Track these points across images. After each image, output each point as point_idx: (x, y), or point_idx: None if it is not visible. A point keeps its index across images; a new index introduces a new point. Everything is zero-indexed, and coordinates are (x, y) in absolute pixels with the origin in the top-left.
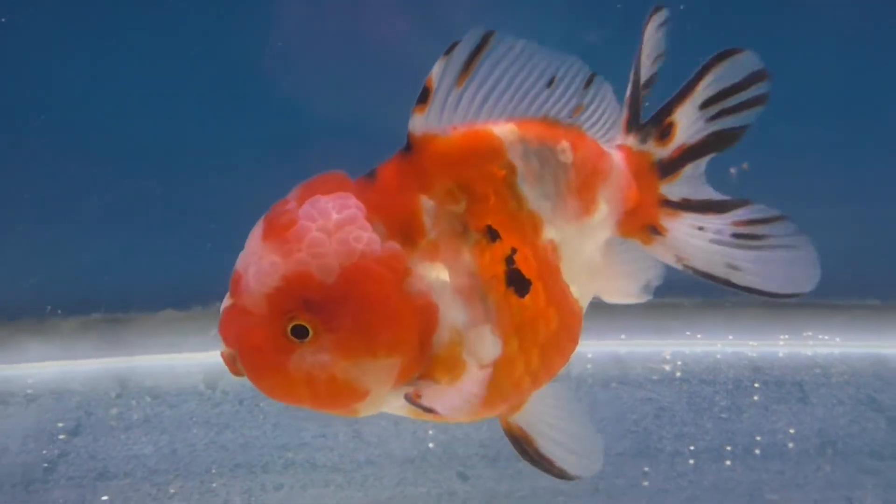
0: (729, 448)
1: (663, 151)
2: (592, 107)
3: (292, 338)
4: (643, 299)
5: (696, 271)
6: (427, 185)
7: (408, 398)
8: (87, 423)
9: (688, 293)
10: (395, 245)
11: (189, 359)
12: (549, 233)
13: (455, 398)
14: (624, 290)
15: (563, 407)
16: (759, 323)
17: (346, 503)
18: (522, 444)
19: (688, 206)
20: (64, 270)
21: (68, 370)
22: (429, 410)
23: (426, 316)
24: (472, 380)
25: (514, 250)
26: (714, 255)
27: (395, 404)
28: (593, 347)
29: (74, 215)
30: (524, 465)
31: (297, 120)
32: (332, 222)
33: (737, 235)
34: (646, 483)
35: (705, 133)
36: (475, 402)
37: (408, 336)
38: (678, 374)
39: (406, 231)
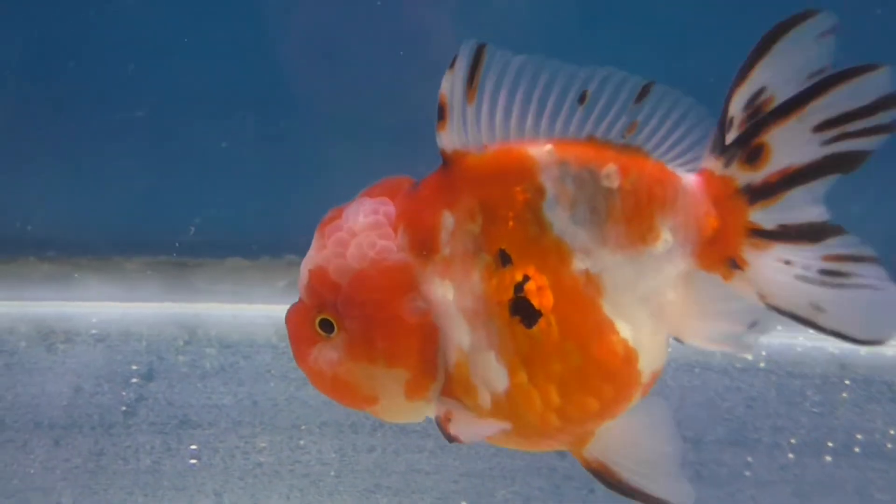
0: (830, 444)
1: (753, 176)
2: (653, 122)
3: (319, 331)
4: (741, 351)
5: (779, 311)
6: (452, 201)
7: (437, 420)
8: (160, 368)
9: None
10: (407, 257)
11: (258, 310)
12: (583, 263)
13: (483, 429)
14: (712, 335)
15: (643, 436)
16: None
17: (442, 470)
18: (605, 478)
19: (782, 234)
20: (129, 210)
21: (132, 312)
22: (453, 439)
23: (425, 332)
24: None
25: (526, 278)
26: (799, 295)
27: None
28: None
29: (144, 155)
30: None
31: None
32: (358, 225)
33: (824, 272)
34: (748, 473)
35: (820, 155)
36: (501, 437)
37: (406, 350)
38: (762, 364)
39: (424, 244)
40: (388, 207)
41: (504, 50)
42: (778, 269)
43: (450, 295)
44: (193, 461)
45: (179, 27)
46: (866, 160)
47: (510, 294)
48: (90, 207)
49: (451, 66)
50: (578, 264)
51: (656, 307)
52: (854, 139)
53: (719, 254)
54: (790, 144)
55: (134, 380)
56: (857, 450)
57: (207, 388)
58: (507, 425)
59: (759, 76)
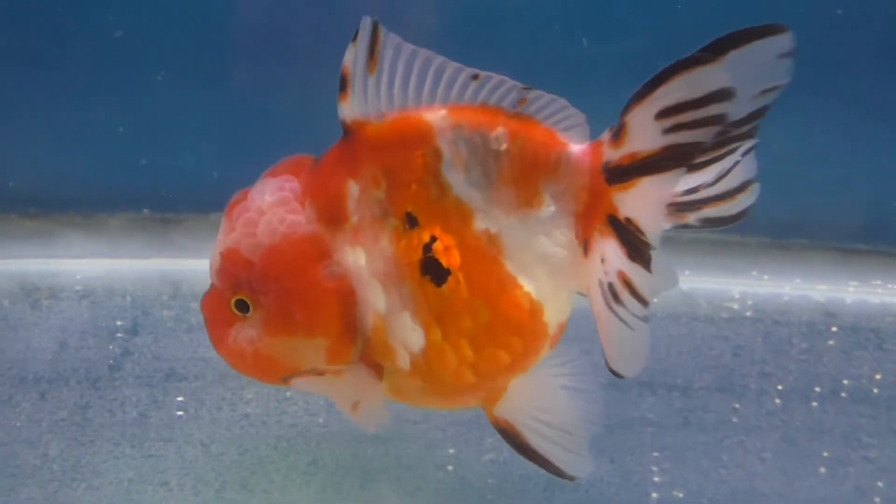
0: (817, 390)
1: (613, 153)
2: (540, 102)
3: (236, 311)
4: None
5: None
6: (355, 170)
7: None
8: (145, 322)
9: (754, 232)
10: (317, 228)
11: None
12: (483, 223)
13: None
14: None
15: (546, 398)
16: (828, 268)
17: (429, 419)
18: (512, 438)
19: (622, 230)
20: (113, 166)
21: (117, 269)
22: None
23: (342, 298)
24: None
25: (433, 238)
26: (595, 298)
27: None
28: None
29: (127, 110)
30: None
31: None
32: (265, 203)
33: (612, 288)
34: (735, 419)
35: (658, 145)
36: (418, 395)
37: (325, 317)
38: (749, 313)
39: (332, 215)
40: (292, 184)
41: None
42: (596, 264)
43: (361, 260)
44: (180, 413)
45: None
46: (699, 153)
47: (419, 255)
48: (72, 164)
49: (353, 39)
50: (479, 224)
51: (554, 265)
52: (687, 131)
53: (583, 230)
54: (640, 129)
55: (119, 335)
56: (843, 395)
57: (193, 342)
58: (367, 426)
59: (683, 80)
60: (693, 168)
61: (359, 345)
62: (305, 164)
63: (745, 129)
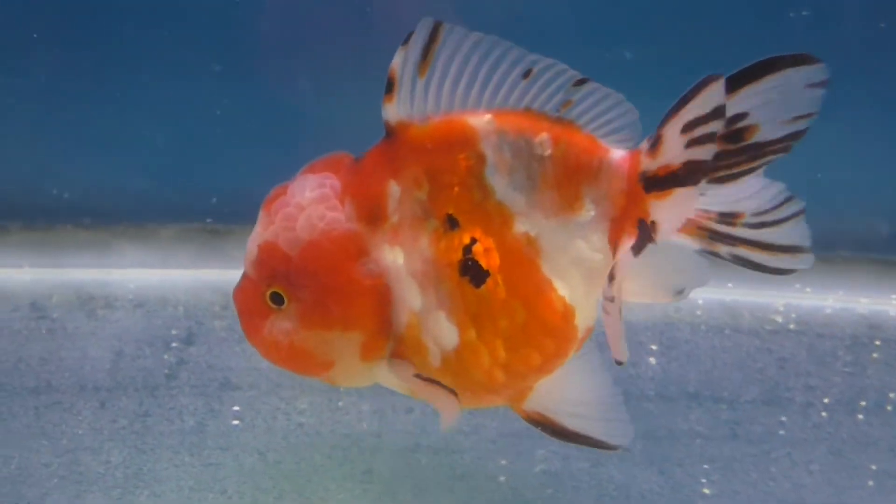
0: (863, 403)
1: (650, 163)
2: (586, 103)
3: (270, 304)
4: (667, 300)
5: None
6: (397, 170)
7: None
8: (199, 332)
9: None
10: (356, 226)
11: None
12: (523, 226)
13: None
14: (645, 293)
15: (572, 384)
16: (870, 280)
17: (479, 431)
18: (547, 427)
19: (644, 230)
20: (165, 177)
21: (169, 279)
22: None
23: (378, 296)
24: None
25: (473, 240)
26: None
27: (387, 379)
28: (702, 293)
29: (179, 121)
30: None
31: None
32: (305, 199)
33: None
34: (782, 432)
35: (682, 160)
36: None
37: (361, 313)
38: (792, 326)
39: (372, 213)
40: (332, 181)
41: (461, 27)
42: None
43: (400, 260)
44: (236, 422)
45: None
46: (706, 172)
47: (459, 255)
48: (125, 176)
49: (405, 42)
50: (519, 227)
51: (587, 269)
52: (697, 147)
53: (616, 234)
54: (670, 141)
55: (174, 344)
56: (889, 408)
57: (246, 353)
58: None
59: (746, 99)
60: (723, 181)
61: (392, 341)
62: (344, 162)
63: (779, 147)
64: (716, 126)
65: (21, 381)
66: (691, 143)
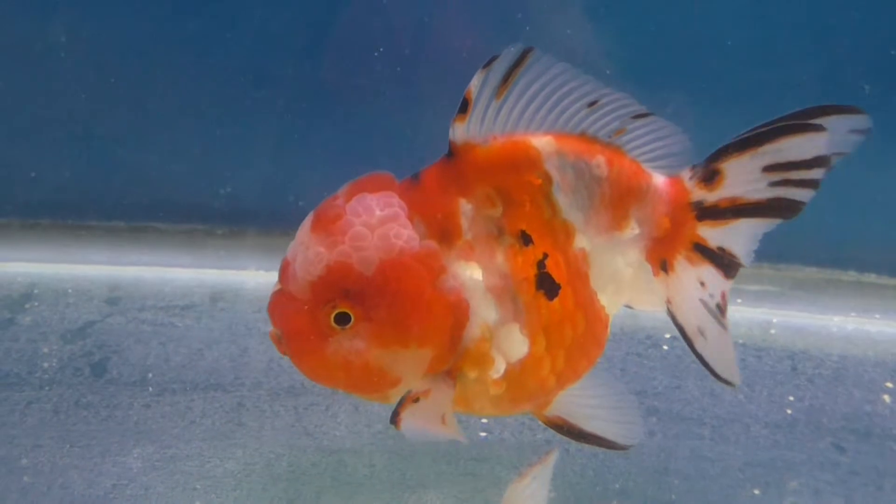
0: None
1: (705, 195)
2: (639, 132)
3: (333, 324)
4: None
5: (674, 320)
6: (466, 189)
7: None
8: None
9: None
10: (432, 243)
11: None
12: (581, 242)
13: (433, 431)
14: (654, 303)
15: (597, 389)
16: None
17: (725, 458)
18: (566, 430)
19: (716, 257)
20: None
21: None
22: (396, 423)
23: (458, 311)
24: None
25: (545, 255)
26: (696, 316)
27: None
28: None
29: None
30: None
31: None
32: (375, 218)
33: (719, 307)
34: None
35: (765, 196)
36: (486, 403)
37: (439, 329)
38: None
39: (444, 231)
40: (397, 200)
41: (549, 55)
42: (693, 286)
43: (477, 275)
44: (483, 434)
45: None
46: (801, 210)
47: (534, 270)
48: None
49: (487, 64)
50: (578, 243)
51: (620, 282)
52: (794, 188)
53: (660, 252)
54: (742, 177)
55: None
56: None
57: None
58: (459, 437)
59: (792, 142)
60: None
61: (455, 356)
62: (391, 182)
63: None
64: (818, 174)
65: (277, 381)
66: (783, 183)
